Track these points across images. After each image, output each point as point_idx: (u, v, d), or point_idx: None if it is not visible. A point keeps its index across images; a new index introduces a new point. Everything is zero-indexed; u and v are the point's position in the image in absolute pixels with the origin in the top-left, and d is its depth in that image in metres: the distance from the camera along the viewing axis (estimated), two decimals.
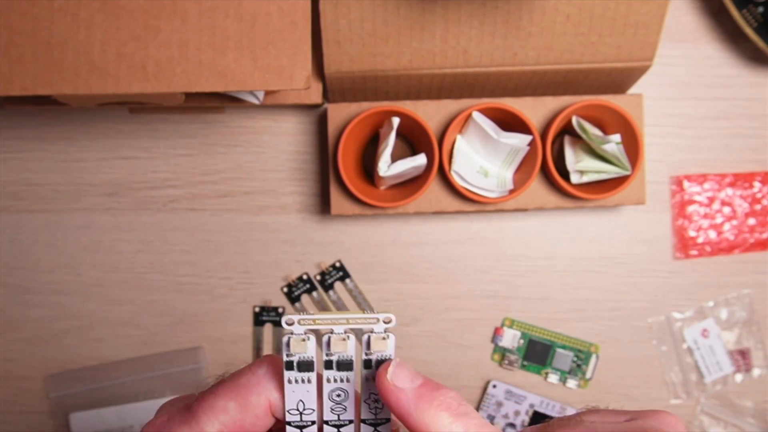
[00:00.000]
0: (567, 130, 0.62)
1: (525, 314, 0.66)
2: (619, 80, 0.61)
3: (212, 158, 0.65)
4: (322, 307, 0.65)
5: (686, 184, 0.65)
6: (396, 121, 0.57)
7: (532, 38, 0.57)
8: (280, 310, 0.65)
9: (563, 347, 0.65)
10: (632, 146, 0.59)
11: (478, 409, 0.65)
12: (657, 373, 0.66)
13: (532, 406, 0.64)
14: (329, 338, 0.32)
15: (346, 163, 0.59)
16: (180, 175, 0.65)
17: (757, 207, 0.65)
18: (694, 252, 0.65)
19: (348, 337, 0.32)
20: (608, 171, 0.59)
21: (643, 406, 0.66)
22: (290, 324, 0.31)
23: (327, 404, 0.33)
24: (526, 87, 0.61)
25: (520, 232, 0.66)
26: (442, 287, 0.66)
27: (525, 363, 0.65)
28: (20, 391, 0.66)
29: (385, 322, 0.32)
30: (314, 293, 0.65)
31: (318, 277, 0.65)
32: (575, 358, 0.65)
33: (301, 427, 0.33)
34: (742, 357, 0.65)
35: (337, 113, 0.60)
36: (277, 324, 0.65)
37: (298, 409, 0.32)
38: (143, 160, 0.65)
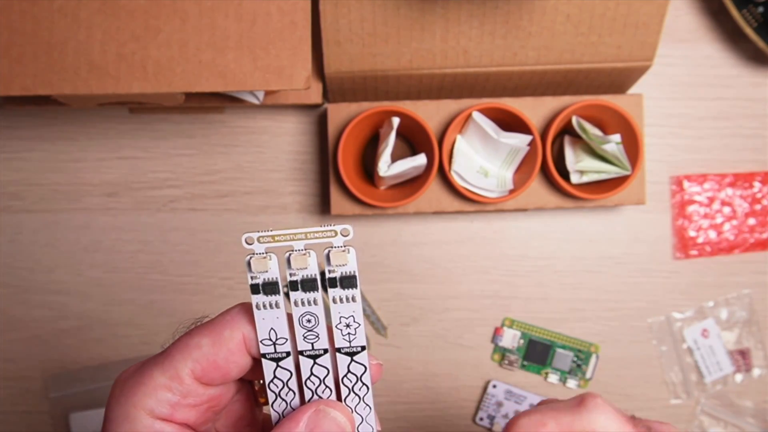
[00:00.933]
0: (567, 130, 0.62)
1: (525, 314, 0.65)
2: (619, 80, 0.61)
3: (212, 158, 0.65)
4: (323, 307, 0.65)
5: (686, 184, 0.65)
6: (396, 121, 0.57)
7: (532, 38, 0.57)
8: None
9: (563, 347, 0.65)
10: (632, 146, 0.59)
11: (478, 409, 0.65)
12: (657, 373, 0.66)
13: (532, 406, 0.64)
14: (289, 255, 0.31)
15: (346, 163, 0.59)
16: (180, 175, 0.65)
17: (757, 207, 0.65)
18: (694, 252, 0.65)
19: (309, 253, 0.31)
20: (608, 171, 0.59)
21: (643, 406, 0.66)
22: (250, 243, 0.30)
23: (299, 332, 0.31)
24: (526, 87, 0.61)
25: (520, 232, 0.66)
26: (442, 287, 0.66)
27: (525, 363, 0.65)
28: (20, 391, 0.66)
29: (343, 235, 0.31)
30: None
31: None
32: (575, 358, 0.65)
33: (276, 360, 0.31)
34: (742, 357, 0.65)
35: (337, 113, 0.60)
36: None
37: (270, 339, 0.31)
38: (143, 160, 0.65)
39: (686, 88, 0.66)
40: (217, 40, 0.50)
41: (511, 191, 0.59)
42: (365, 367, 0.32)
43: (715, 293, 0.66)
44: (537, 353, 0.65)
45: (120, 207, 0.66)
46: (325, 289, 0.31)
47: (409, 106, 0.60)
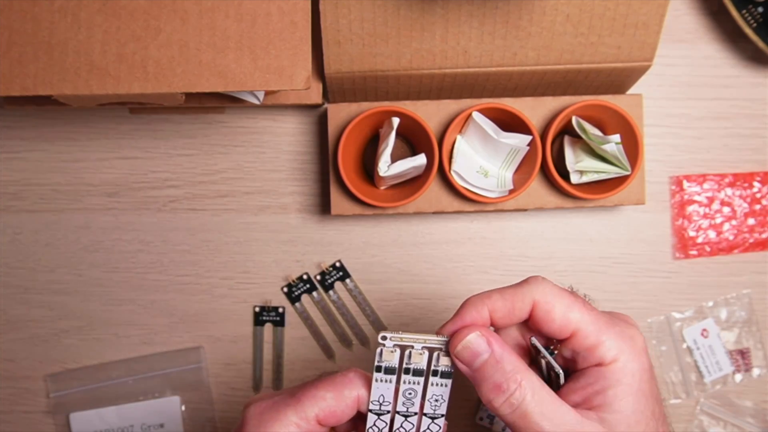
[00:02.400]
0: (567, 130, 0.62)
1: None
2: (619, 80, 0.61)
3: (212, 158, 0.65)
4: (323, 307, 0.65)
5: (686, 184, 0.65)
6: (396, 121, 0.57)
7: (532, 38, 0.57)
8: (281, 310, 0.65)
9: None
10: (632, 146, 0.59)
11: (478, 408, 0.65)
12: (657, 372, 0.65)
13: None
14: (410, 352, 0.42)
15: (346, 163, 0.59)
16: (180, 175, 0.65)
17: (757, 207, 0.65)
18: (693, 252, 0.65)
19: (424, 351, 0.42)
20: (608, 171, 0.59)
21: None
22: (384, 339, 0.42)
23: (400, 399, 0.43)
24: (526, 87, 0.61)
25: (520, 232, 0.66)
26: (442, 287, 0.66)
27: None
28: (21, 391, 0.66)
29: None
30: (314, 293, 0.65)
31: (318, 277, 0.65)
32: None
33: (379, 414, 0.44)
34: (741, 357, 0.65)
35: (337, 113, 0.60)
36: (276, 324, 0.65)
37: (379, 401, 0.43)
38: (143, 160, 0.65)
39: (686, 89, 0.66)
40: (217, 41, 0.51)
41: (511, 191, 0.59)
42: (439, 428, 0.44)
43: (715, 293, 0.66)
44: None
45: (120, 207, 0.66)
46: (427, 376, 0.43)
47: (409, 106, 0.60)
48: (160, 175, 0.65)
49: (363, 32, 0.56)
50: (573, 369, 0.41)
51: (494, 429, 0.65)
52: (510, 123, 0.59)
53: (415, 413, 0.44)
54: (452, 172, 0.59)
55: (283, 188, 0.65)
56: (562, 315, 0.40)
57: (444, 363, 0.42)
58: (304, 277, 0.65)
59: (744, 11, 0.61)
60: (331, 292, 0.65)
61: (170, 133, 0.65)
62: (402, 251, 0.66)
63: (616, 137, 0.59)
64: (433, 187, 0.61)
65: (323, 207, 0.65)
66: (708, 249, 0.65)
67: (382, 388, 0.43)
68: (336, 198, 0.61)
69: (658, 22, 0.57)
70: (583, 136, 0.58)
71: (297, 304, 0.65)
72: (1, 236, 0.66)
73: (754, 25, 0.61)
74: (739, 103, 0.66)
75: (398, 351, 0.42)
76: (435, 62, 0.58)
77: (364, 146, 0.63)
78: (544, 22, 0.56)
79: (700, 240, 0.65)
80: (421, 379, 0.43)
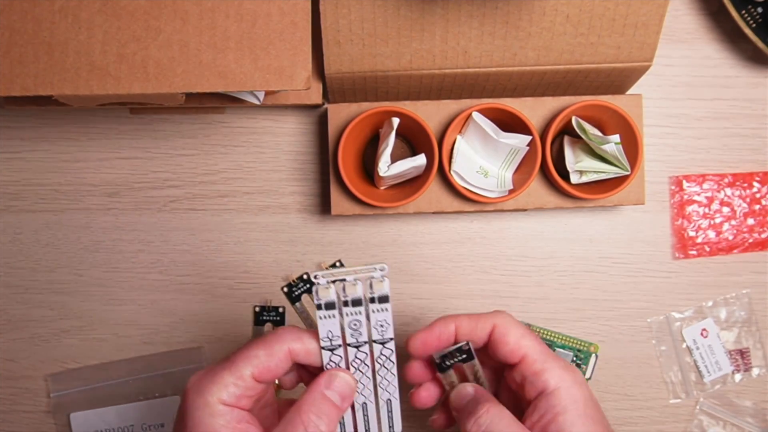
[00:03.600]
0: (566, 130, 0.62)
1: (525, 314, 0.66)
2: (619, 81, 0.61)
3: (213, 158, 0.66)
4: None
5: (685, 184, 0.65)
6: (396, 121, 0.57)
7: (531, 39, 0.57)
8: (281, 310, 0.65)
9: (563, 347, 0.65)
10: (631, 146, 0.59)
11: None
12: (656, 372, 0.66)
13: None
14: (344, 285, 0.45)
15: (346, 163, 0.59)
16: (180, 175, 0.66)
17: (756, 207, 0.66)
18: (693, 252, 0.65)
19: (356, 282, 0.45)
20: (608, 171, 0.59)
21: (642, 406, 0.66)
22: (316, 278, 0.45)
23: (348, 332, 0.46)
24: (525, 87, 0.61)
25: (519, 232, 0.66)
26: (442, 287, 0.66)
27: None
28: (21, 391, 0.66)
29: (380, 270, 0.45)
30: None
31: None
32: (575, 358, 0.65)
33: (331, 349, 0.46)
34: (741, 356, 0.66)
35: (337, 113, 0.61)
36: (276, 323, 0.65)
37: (328, 338, 0.46)
38: (144, 160, 0.66)
39: (685, 89, 0.66)
40: (217, 41, 0.51)
41: (511, 191, 0.59)
42: (392, 351, 0.46)
43: (714, 293, 0.66)
44: None
45: (121, 207, 0.66)
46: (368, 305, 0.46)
47: (409, 107, 0.60)
48: (160, 175, 0.66)
49: (363, 32, 0.57)
50: (523, 399, 0.46)
51: None
52: (510, 123, 0.59)
53: (365, 342, 0.46)
54: (452, 172, 0.59)
55: (283, 188, 0.66)
56: (515, 340, 0.45)
57: (378, 288, 0.45)
58: (304, 277, 0.65)
59: (743, 11, 0.61)
60: None
61: (170, 133, 0.66)
62: (402, 251, 0.66)
63: (616, 137, 0.59)
64: (433, 187, 0.61)
65: (323, 207, 0.65)
66: (707, 249, 0.65)
67: (328, 324, 0.45)
68: (336, 198, 0.61)
69: (657, 22, 0.57)
70: (583, 136, 0.58)
71: (297, 304, 0.65)
72: (2, 236, 0.66)
73: (754, 25, 0.61)
74: (739, 103, 0.66)
75: (333, 287, 0.45)
76: (435, 62, 0.58)
77: (364, 146, 0.63)
78: (544, 23, 0.56)
79: (699, 240, 0.65)
80: (362, 309, 0.45)
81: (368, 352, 0.47)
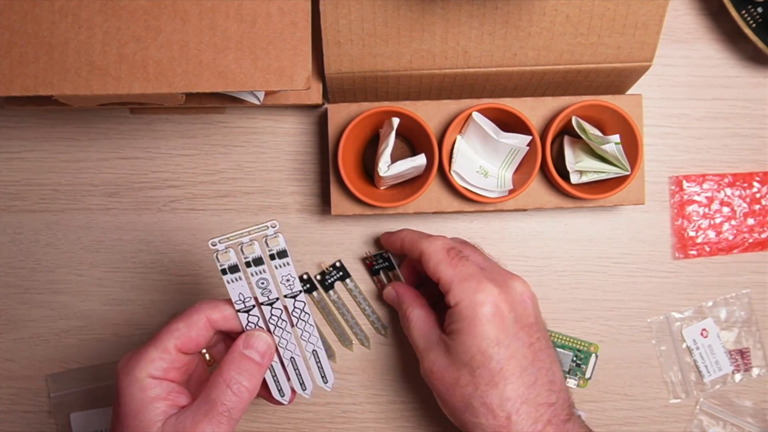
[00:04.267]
0: (566, 130, 0.62)
1: None
2: (619, 80, 0.61)
3: (213, 158, 0.66)
4: (323, 307, 0.65)
5: (685, 184, 0.65)
6: (396, 121, 0.57)
7: (531, 39, 0.57)
8: (305, 276, 0.65)
9: (563, 347, 0.65)
10: (631, 146, 0.59)
11: None
12: (656, 372, 0.66)
13: None
14: (241, 246, 0.48)
15: (346, 163, 0.59)
16: (180, 175, 0.66)
17: (756, 207, 0.66)
18: (693, 252, 0.65)
19: (253, 242, 0.48)
20: (608, 171, 0.59)
21: (642, 406, 0.66)
22: (214, 245, 0.48)
23: (257, 291, 0.49)
24: (525, 87, 0.61)
25: (519, 232, 0.66)
26: None
27: None
28: (21, 391, 0.66)
29: (272, 227, 0.48)
30: (315, 293, 0.65)
31: (318, 277, 0.65)
32: (575, 358, 0.65)
33: (246, 311, 0.49)
34: (741, 356, 0.66)
35: (337, 113, 0.61)
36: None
37: (241, 300, 0.49)
38: (144, 160, 0.66)
39: (685, 89, 0.66)
40: (217, 41, 0.51)
41: (511, 191, 0.59)
42: (304, 303, 0.50)
43: (714, 293, 0.66)
44: None
45: (121, 207, 0.66)
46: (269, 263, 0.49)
47: (409, 107, 0.60)
48: (160, 175, 0.66)
49: (363, 32, 0.57)
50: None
51: None
52: (510, 123, 0.59)
53: (277, 298, 0.49)
54: (452, 172, 0.59)
55: (283, 188, 0.66)
56: (432, 266, 0.55)
57: (275, 244, 0.48)
58: (305, 276, 0.65)
59: (743, 11, 0.61)
60: (331, 292, 0.65)
61: (170, 133, 0.66)
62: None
63: (616, 137, 0.59)
64: (433, 187, 0.61)
65: (323, 207, 0.65)
66: (707, 249, 0.66)
67: (237, 287, 0.48)
68: (336, 198, 0.61)
69: (657, 22, 0.57)
70: (583, 136, 0.58)
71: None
72: (2, 236, 0.66)
73: (754, 25, 0.61)
74: (739, 103, 0.66)
75: (232, 251, 0.48)
76: (435, 62, 0.58)
77: (364, 146, 0.63)
78: (544, 23, 0.56)
79: (699, 240, 0.65)
80: (264, 267, 0.48)
81: (282, 308, 0.49)
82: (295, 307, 0.49)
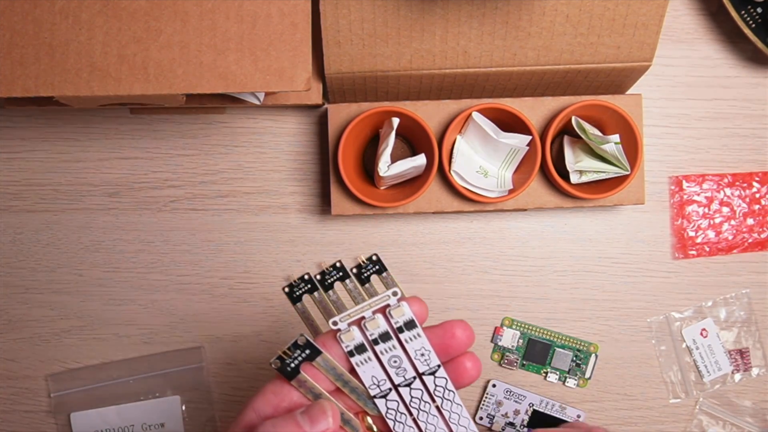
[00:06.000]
0: (566, 130, 0.62)
1: (524, 314, 0.66)
2: (619, 80, 0.61)
3: (213, 158, 0.66)
4: (323, 307, 0.65)
5: (685, 184, 0.65)
6: (396, 121, 0.57)
7: (531, 39, 0.57)
8: (306, 276, 0.65)
9: (562, 347, 0.65)
10: (631, 146, 0.59)
11: (477, 408, 0.65)
12: (656, 372, 0.66)
13: (531, 405, 0.65)
14: (364, 323, 0.42)
15: (346, 163, 0.59)
16: (181, 176, 0.66)
17: (756, 207, 0.66)
18: (693, 252, 0.66)
19: (377, 316, 0.41)
20: (607, 171, 0.59)
21: (642, 406, 0.66)
22: (335, 324, 0.41)
23: (391, 371, 0.42)
24: (525, 87, 0.61)
25: (519, 232, 0.66)
26: (442, 287, 0.66)
27: (524, 362, 0.65)
28: (21, 391, 0.66)
29: (394, 295, 0.41)
30: (315, 293, 0.65)
31: (318, 277, 0.65)
32: (574, 358, 0.65)
33: (384, 396, 0.42)
34: (740, 356, 0.66)
35: (337, 113, 0.61)
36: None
37: (376, 384, 0.42)
38: (144, 160, 0.66)
39: (685, 89, 0.66)
40: (217, 42, 0.51)
41: (511, 191, 0.60)
42: (446, 379, 0.42)
43: (714, 293, 0.66)
44: (536, 353, 0.65)
45: (121, 207, 0.66)
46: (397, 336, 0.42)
47: (409, 107, 0.60)
48: (160, 175, 0.66)
49: (363, 33, 0.57)
50: None
51: (494, 429, 0.65)
52: (510, 123, 0.59)
53: (414, 377, 0.42)
54: (452, 172, 0.59)
55: (283, 188, 0.66)
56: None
57: (399, 315, 0.41)
58: (306, 277, 0.65)
59: (743, 11, 0.61)
60: (330, 291, 0.65)
61: (171, 133, 0.66)
62: (402, 251, 0.66)
63: (616, 137, 0.59)
64: (433, 187, 0.61)
65: (323, 207, 0.66)
66: (707, 249, 0.66)
67: (368, 369, 0.42)
68: (336, 198, 0.61)
69: (657, 22, 0.57)
70: (583, 136, 0.58)
71: (298, 305, 0.65)
72: (2, 236, 0.66)
73: (753, 25, 0.61)
74: (738, 104, 0.66)
75: (355, 329, 0.42)
76: (435, 62, 0.58)
77: (364, 146, 0.64)
78: (543, 23, 0.56)
79: (699, 240, 0.65)
80: (394, 342, 0.42)
81: (422, 388, 0.42)
82: (436, 385, 0.42)
